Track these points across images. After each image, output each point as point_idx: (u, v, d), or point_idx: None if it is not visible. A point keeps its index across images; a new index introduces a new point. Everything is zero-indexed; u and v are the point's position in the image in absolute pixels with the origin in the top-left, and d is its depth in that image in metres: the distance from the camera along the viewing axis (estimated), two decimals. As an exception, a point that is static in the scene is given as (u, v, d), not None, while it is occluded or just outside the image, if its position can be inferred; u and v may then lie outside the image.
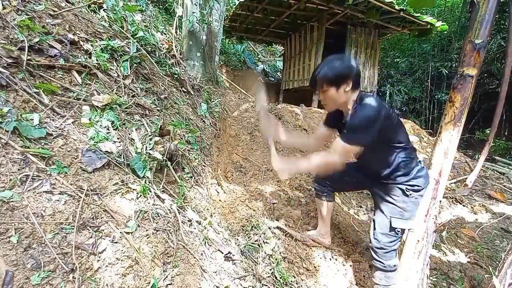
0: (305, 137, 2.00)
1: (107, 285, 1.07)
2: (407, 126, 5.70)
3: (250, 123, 3.94)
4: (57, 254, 1.02)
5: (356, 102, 1.50)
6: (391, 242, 1.65)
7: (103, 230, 1.19)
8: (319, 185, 2.06)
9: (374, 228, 1.71)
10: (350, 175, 1.90)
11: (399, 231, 1.64)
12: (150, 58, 2.39)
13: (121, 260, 1.15)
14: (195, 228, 1.59)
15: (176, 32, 3.74)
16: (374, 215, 1.77)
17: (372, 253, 1.72)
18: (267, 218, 2.22)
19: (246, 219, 2.07)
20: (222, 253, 1.60)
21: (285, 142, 1.95)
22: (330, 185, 2.01)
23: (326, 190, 2.03)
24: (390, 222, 1.63)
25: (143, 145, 1.66)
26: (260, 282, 1.60)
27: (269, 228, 2.10)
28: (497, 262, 2.38)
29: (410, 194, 1.60)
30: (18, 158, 1.16)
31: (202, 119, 2.64)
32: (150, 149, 1.66)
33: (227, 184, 2.55)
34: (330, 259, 2.08)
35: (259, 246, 1.89)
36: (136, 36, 2.36)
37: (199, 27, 3.56)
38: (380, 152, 1.59)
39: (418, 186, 1.59)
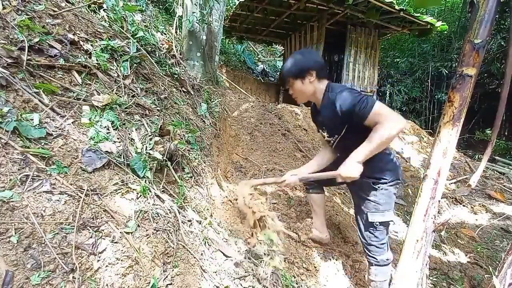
0: (319, 154, 1.96)
1: (107, 285, 1.07)
2: (407, 126, 5.71)
3: (250, 123, 3.94)
4: (57, 254, 1.02)
5: (326, 91, 1.57)
6: (376, 237, 1.66)
7: (103, 230, 1.19)
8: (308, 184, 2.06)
9: (359, 226, 1.73)
10: (328, 170, 1.82)
11: (377, 225, 1.64)
12: (150, 58, 2.39)
13: (121, 260, 1.15)
14: (195, 228, 1.59)
15: (176, 32, 3.74)
16: (355, 211, 1.79)
17: (365, 250, 1.74)
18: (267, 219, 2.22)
19: (245, 221, 2.07)
20: (223, 253, 1.60)
21: (310, 170, 1.90)
22: (316, 182, 2.00)
23: (311, 183, 2.02)
24: (367, 217, 1.64)
25: (143, 145, 1.66)
26: (260, 283, 1.60)
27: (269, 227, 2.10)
28: (497, 262, 2.38)
29: (379, 187, 1.61)
30: (18, 158, 1.16)
31: (202, 119, 2.65)
32: (150, 149, 1.66)
33: (227, 184, 2.55)
34: (330, 259, 2.08)
35: (259, 247, 1.89)
36: (136, 36, 2.36)
37: (199, 27, 3.56)
38: (350, 143, 1.56)
39: (385, 179, 1.60)
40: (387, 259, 1.69)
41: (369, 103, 1.41)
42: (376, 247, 1.67)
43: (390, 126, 1.37)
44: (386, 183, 1.61)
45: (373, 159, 1.52)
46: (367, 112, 1.40)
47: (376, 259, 1.68)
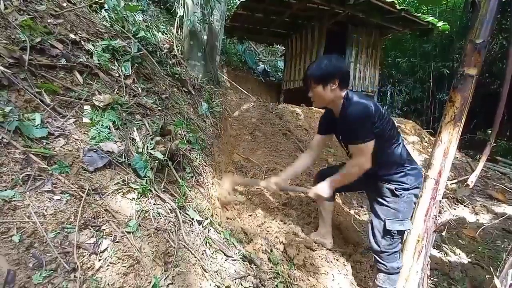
0: (301, 159, 2.02)
1: (108, 284, 1.07)
2: (408, 126, 5.69)
3: (251, 123, 3.94)
4: (58, 253, 1.02)
5: (344, 99, 1.59)
6: (390, 244, 1.63)
7: (104, 229, 1.20)
8: None
9: (373, 232, 1.69)
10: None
11: (395, 233, 1.61)
12: (151, 58, 2.39)
13: (122, 260, 1.16)
14: (196, 228, 1.59)
15: (177, 32, 3.75)
16: (370, 217, 1.76)
17: (375, 256, 1.69)
18: (267, 219, 2.22)
19: (246, 221, 2.07)
20: (224, 253, 1.60)
21: (290, 177, 2.09)
22: None
23: None
24: (385, 224, 1.61)
25: (144, 145, 1.67)
26: (261, 283, 1.60)
27: (268, 227, 2.10)
28: (498, 263, 2.38)
29: (401, 194, 1.59)
30: (20, 157, 1.17)
31: (203, 119, 2.65)
32: (151, 149, 1.66)
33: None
34: (331, 259, 2.08)
35: (260, 247, 1.89)
36: (137, 36, 2.37)
37: (200, 27, 3.57)
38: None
39: (407, 184, 1.59)
40: (398, 267, 1.65)
41: (363, 137, 1.50)
42: (389, 254, 1.64)
43: (358, 162, 1.57)
44: (408, 189, 1.60)
45: (398, 162, 1.62)
46: (356, 142, 1.53)
47: (387, 267, 1.64)
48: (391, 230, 1.59)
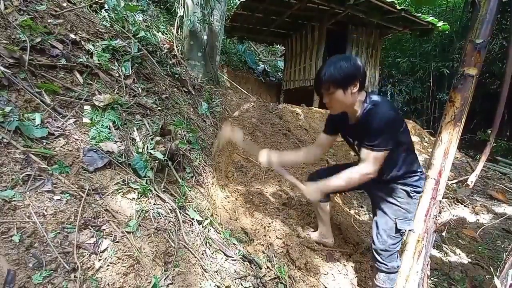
0: (303, 150, 1.93)
1: (108, 284, 1.07)
2: (409, 126, 5.68)
3: (251, 123, 3.94)
4: (58, 253, 1.02)
5: (365, 102, 1.47)
6: (394, 244, 1.64)
7: (104, 229, 1.20)
8: None
9: (378, 231, 1.68)
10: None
11: (403, 233, 1.64)
12: (151, 58, 2.39)
13: (122, 260, 1.16)
14: (196, 228, 1.59)
15: (177, 32, 3.75)
16: (375, 216, 1.75)
17: (376, 255, 1.68)
18: (268, 219, 2.22)
19: (246, 221, 2.07)
20: (224, 253, 1.60)
21: (288, 162, 1.97)
22: None
23: None
24: (396, 224, 1.61)
25: (144, 145, 1.67)
26: (261, 283, 1.60)
27: (268, 227, 2.10)
28: (498, 263, 2.38)
29: (414, 196, 1.61)
30: (20, 157, 1.17)
31: (203, 119, 2.65)
32: (151, 149, 1.66)
33: (228, 184, 2.55)
34: (332, 259, 2.08)
35: (260, 247, 1.89)
36: (137, 36, 2.37)
37: (200, 27, 3.57)
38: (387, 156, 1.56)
39: (420, 188, 1.61)
40: (397, 267, 1.67)
41: (381, 145, 1.41)
42: (391, 254, 1.65)
43: (366, 170, 1.47)
44: (420, 192, 1.61)
45: (415, 166, 1.60)
46: (373, 148, 1.42)
47: (387, 266, 1.65)
48: (401, 229, 1.62)
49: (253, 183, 2.77)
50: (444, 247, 2.59)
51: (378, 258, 1.67)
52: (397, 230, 1.62)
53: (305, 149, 1.94)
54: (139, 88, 2.01)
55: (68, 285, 0.98)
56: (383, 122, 1.38)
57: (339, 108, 1.53)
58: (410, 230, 1.65)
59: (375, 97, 1.48)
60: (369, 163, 1.45)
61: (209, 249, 1.56)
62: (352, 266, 2.09)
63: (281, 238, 2.03)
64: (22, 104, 1.32)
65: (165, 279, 1.24)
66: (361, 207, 3.05)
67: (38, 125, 1.30)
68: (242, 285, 1.52)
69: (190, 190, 1.81)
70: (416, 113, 9.58)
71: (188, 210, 1.65)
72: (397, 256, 1.69)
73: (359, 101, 1.49)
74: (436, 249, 2.53)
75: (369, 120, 1.43)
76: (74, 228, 1.11)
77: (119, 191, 1.38)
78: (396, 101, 9.33)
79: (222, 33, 4.09)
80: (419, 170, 1.64)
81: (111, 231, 1.21)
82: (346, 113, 1.59)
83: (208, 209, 1.84)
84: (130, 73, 1.99)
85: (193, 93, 2.73)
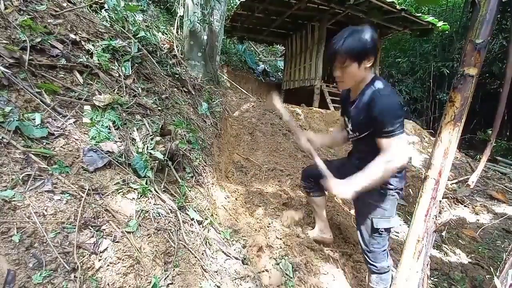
0: (334, 134, 1.89)
1: (108, 284, 1.07)
2: (408, 127, 5.70)
3: (251, 123, 3.94)
4: (58, 253, 1.02)
5: (371, 83, 1.42)
6: (378, 243, 1.62)
7: (104, 229, 1.20)
8: (304, 182, 2.01)
9: (361, 232, 1.67)
10: (338, 169, 1.68)
11: (382, 231, 1.59)
12: (151, 58, 2.39)
13: (122, 260, 1.16)
14: (196, 228, 1.59)
15: (177, 32, 3.75)
16: (357, 218, 1.72)
17: (365, 257, 1.68)
18: (268, 219, 2.22)
19: (246, 221, 2.07)
20: (224, 253, 1.60)
21: (319, 146, 1.84)
22: (313, 181, 1.94)
23: (311, 186, 1.98)
24: (372, 223, 1.58)
25: (144, 145, 1.67)
26: (261, 283, 1.60)
27: (269, 227, 2.10)
28: (498, 263, 2.38)
29: (387, 192, 1.56)
30: (20, 157, 1.17)
31: (203, 119, 2.65)
32: (151, 149, 1.66)
33: (228, 184, 2.55)
34: (332, 259, 2.08)
35: (260, 247, 1.89)
36: (137, 36, 2.37)
37: (200, 27, 3.57)
38: (366, 147, 1.54)
39: (391, 184, 1.55)
40: (388, 266, 1.66)
41: (397, 131, 1.34)
42: (378, 254, 1.63)
43: (395, 161, 1.36)
44: (392, 189, 1.56)
45: None
46: (391, 136, 1.35)
47: (377, 267, 1.64)
48: (379, 228, 1.58)
49: (253, 183, 2.77)
50: (444, 247, 2.59)
51: (368, 259, 1.66)
52: (375, 230, 1.58)
53: (335, 133, 1.88)
54: (139, 88, 2.01)
55: (68, 285, 0.98)
56: (393, 108, 1.34)
57: (350, 83, 1.46)
58: (390, 228, 1.61)
59: (380, 81, 1.43)
60: (394, 153, 1.35)
61: (209, 249, 1.56)
62: (352, 266, 2.10)
63: (281, 238, 2.03)
64: (22, 104, 1.32)
65: (165, 279, 1.24)
66: (361, 207, 3.05)
67: (38, 125, 1.30)
68: (242, 285, 1.52)
69: (190, 190, 1.81)
70: (416, 113, 9.59)
71: (188, 210, 1.65)
72: (386, 255, 1.66)
73: (366, 79, 1.44)
74: (436, 249, 2.53)
75: (376, 105, 1.35)
76: (74, 228, 1.11)
77: (119, 191, 1.38)
78: (396, 101, 9.32)
79: (222, 33, 4.09)
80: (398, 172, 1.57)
81: (111, 231, 1.21)
82: (350, 89, 1.54)
83: (208, 209, 1.84)
84: (130, 73, 1.99)
85: (193, 93, 2.73)
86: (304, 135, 1.75)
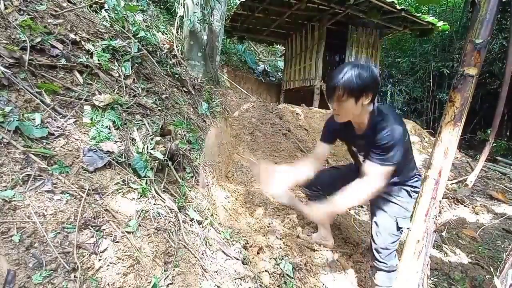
0: (304, 165, 1.80)
1: (108, 284, 1.07)
2: (408, 126, 5.70)
3: (251, 123, 3.94)
4: (58, 253, 1.02)
5: (374, 114, 1.44)
6: (393, 242, 1.68)
7: (104, 229, 1.20)
8: (309, 190, 2.00)
9: (378, 229, 1.69)
10: (345, 177, 1.72)
11: (403, 231, 1.68)
12: (151, 58, 2.39)
13: (122, 260, 1.16)
14: (196, 228, 1.59)
15: (177, 32, 3.75)
16: (374, 216, 1.75)
17: (376, 254, 1.70)
18: (268, 219, 2.22)
19: (246, 221, 2.07)
20: (224, 253, 1.60)
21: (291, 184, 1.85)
22: (321, 190, 1.94)
23: (317, 194, 1.97)
24: (397, 222, 1.65)
25: (144, 144, 1.67)
26: (261, 283, 1.60)
27: (269, 227, 2.10)
28: (498, 263, 2.38)
29: (413, 196, 1.65)
30: (20, 157, 1.17)
31: (203, 119, 2.65)
32: (151, 149, 1.66)
33: (228, 184, 2.55)
34: (332, 259, 2.08)
35: (260, 247, 1.89)
36: (137, 36, 2.37)
37: (200, 27, 3.57)
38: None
39: (418, 188, 1.63)
40: (396, 265, 1.70)
41: (391, 160, 1.38)
42: (390, 252, 1.68)
43: (373, 186, 1.43)
44: (417, 192, 1.63)
45: (415, 166, 1.67)
46: (376, 162, 1.40)
47: (387, 264, 1.68)
48: (402, 228, 1.65)
49: (253, 183, 2.77)
50: (444, 247, 2.59)
51: (378, 257, 1.69)
52: (398, 228, 1.66)
53: (306, 163, 1.80)
54: (139, 88, 2.01)
55: (68, 285, 0.98)
56: (392, 137, 1.35)
57: (346, 117, 1.47)
58: (407, 228, 1.67)
59: (384, 110, 1.45)
60: (376, 178, 1.41)
61: (209, 249, 1.56)
62: (352, 266, 2.09)
63: (281, 238, 2.03)
64: (22, 104, 1.32)
65: (165, 279, 1.24)
66: (361, 207, 3.05)
67: (38, 125, 1.30)
68: (242, 285, 1.52)
69: (190, 190, 1.81)
70: (416, 113, 9.58)
71: (188, 210, 1.65)
72: (395, 255, 1.72)
73: (367, 113, 1.44)
74: (436, 249, 2.53)
75: (377, 134, 1.38)
76: (74, 228, 1.11)
77: (119, 191, 1.38)
78: (396, 101, 9.34)
79: (222, 33, 4.09)
80: (417, 173, 1.70)
81: (111, 231, 1.21)
82: (350, 122, 1.54)
83: (208, 209, 1.84)
84: (130, 73, 1.99)
85: (193, 93, 2.73)
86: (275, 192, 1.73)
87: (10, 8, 1.60)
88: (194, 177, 1.94)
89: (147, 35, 2.55)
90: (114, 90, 1.78)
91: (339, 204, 1.50)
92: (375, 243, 1.70)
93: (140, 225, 1.32)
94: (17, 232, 0.99)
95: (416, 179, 1.68)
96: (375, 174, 1.42)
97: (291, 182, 1.79)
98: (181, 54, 3.61)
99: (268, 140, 3.69)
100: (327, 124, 1.72)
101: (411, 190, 1.65)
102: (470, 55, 1.42)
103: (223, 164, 2.74)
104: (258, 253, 1.83)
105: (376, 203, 1.75)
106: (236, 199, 2.37)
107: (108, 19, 2.39)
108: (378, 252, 1.69)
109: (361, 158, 1.64)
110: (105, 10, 2.49)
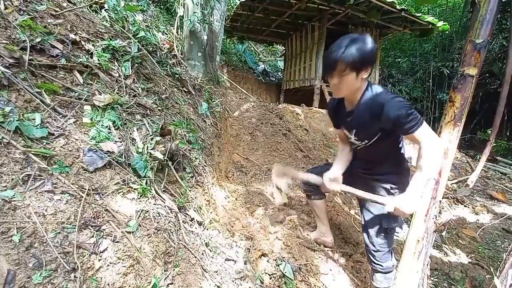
0: (345, 156, 1.76)
1: (108, 284, 1.07)
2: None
3: (251, 123, 3.94)
4: (58, 253, 1.03)
5: (367, 90, 1.41)
6: (385, 243, 1.64)
7: (104, 229, 1.20)
8: (306, 185, 2.00)
9: (367, 232, 1.67)
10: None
11: (391, 231, 1.62)
12: (151, 58, 2.39)
13: (122, 260, 1.16)
14: (196, 228, 1.59)
15: (177, 32, 3.75)
16: (363, 218, 1.72)
17: (370, 257, 1.69)
18: (268, 219, 2.22)
19: (246, 221, 2.07)
20: (224, 253, 1.60)
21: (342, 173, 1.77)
22: (316, 185, 1.90)
23: (313, 189, 1.97)
24: (381, 222, 1.60)
25: (144, 144, 1.67)
26: (262, 283, 1.60)
27: (270, 228, 2.11)
28: (498, 263, 2.38)
29: (395, 193, 1.57)
30: (20, 157, 1.17)
31: (203, 119, 2.65)
32: (151, 149, 1.66)
33: (228, 184, 2.55)
34: (332, 259, 2.08)
35: (260, 247, 1.89)
36: (137, 36, 2.37)
37: (200, 27, 3.57)
38: (383, 147, 1.54)
39: (401, 184, 1.56)
40: (392, 265, 1.67)
41: (419, 120, 1.33)
42: (384, 253, 1.65)
43: (436, 146, 1.35)
44: (399, 189, 1.57)
45: (401, 163, 1.59)
46: (416, 128, 1.33)
47: (382, 266, 1.66)
48: (387, 228, 1.60)
49: (253, 183, 2.77)
50: (444, 247, 2.59)
51: (373, 259, 1.67)
52: (383, 229, 1.61)
53: (342, 154, 1.76)
54: (139, 88, 2.01)
55: (68, 285, 0.98)
56: (396, 101, 1.33)
57: (345, 92, 1.43)
58: (398, 227, 1.64)
59: (375, 85, 1.44)
60: (429, 135, 1.35)
61: (209, 249, 1.56)
62: (352, 266, 2.09)
63: (281, 239, 2.03)
64: (22, 104, 1.32)
65: (165, 279, 1.24)
66: (361, 207, 3.05)
67: (38, 125, 1.30)
68: (242, 285, 1.52)
69: (190, 190, 1.81)
70: (416, 113, 9.57)
71: (188, 210, 1.65)
72: (391, 255, 1.69)
73: (362, 88, 1.42)
74: (436, 249, 2.53)
75: (389, 112, 1.33)
76: (74, 228, 1.11)
77: (119, 191, 1.38)
78: (396, 101, 9.33)
79: (222, 33, 4.09)
80: (406, 172, 1.61)
81: (111, 231, 1.21)
82: (342, 100, 1.52)
83: (208, 209, 1.84)
84: (130, 73, 1.99)
85: (193, 93, 2.73)
86: (325, 179, 1.66)
87: (10, 8, 1.60)
88: (194, 177, 1.94)
89: (147, 35, 2.55)
90: (114, 90, 1.78)
91: (428, 172, 1.38)
92: (367, 246, 1.69)
93: (140, 225, 1.32)
94: (17, 232, 0.99)
95: (400, 175, 1.58)
96: (426, 135, 1.34)
97: (343, 170, 1.72)
98: (181, 54, 3.62)
99: (268, 140, 3.69)
100: (328, 111, 1.72)
101: (391, 187, 1.57)
102: (470, 55, 1.43)
103: (223, 164, 2.74)
104: (258, 253, 1.83)
105: (362, 203, 1.71)
106: (236, 199, 2.37)
107: (108, 19, 2.39)
108: (371, 254, 1.67)
109: (352, 137, 1.56)
110: (105, 10, 2.48)
